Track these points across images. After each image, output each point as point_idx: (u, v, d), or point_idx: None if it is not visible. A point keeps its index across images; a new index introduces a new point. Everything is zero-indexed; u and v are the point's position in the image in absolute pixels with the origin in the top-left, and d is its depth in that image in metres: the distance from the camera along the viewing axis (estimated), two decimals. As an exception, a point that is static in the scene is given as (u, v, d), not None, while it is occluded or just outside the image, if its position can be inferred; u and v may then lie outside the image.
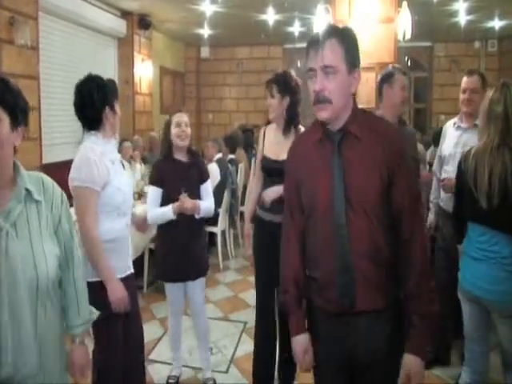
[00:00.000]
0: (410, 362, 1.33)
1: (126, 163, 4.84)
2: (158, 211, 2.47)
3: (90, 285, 1.64)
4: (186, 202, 2.42)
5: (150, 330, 3.37)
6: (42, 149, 4.23)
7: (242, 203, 5.01)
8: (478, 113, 2.41)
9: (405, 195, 1.35)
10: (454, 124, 2.72)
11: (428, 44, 7.91)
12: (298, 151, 1.51)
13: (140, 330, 2.22)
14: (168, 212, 2.44)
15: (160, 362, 2.97)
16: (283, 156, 2.38)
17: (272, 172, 2.42)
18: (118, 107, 2.04)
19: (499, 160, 1.80)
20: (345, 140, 1.36)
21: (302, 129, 2.43)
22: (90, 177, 1.85)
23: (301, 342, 1.45)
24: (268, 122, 2.53)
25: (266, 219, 2.42)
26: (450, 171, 2.63)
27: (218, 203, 4.62)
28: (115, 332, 1.97)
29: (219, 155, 4.95)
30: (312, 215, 1.41)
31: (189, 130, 2.53)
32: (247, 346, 3.01)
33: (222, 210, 4.68)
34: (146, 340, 3.17)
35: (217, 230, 4.61)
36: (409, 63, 8.08)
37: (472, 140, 2.51)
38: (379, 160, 1.33)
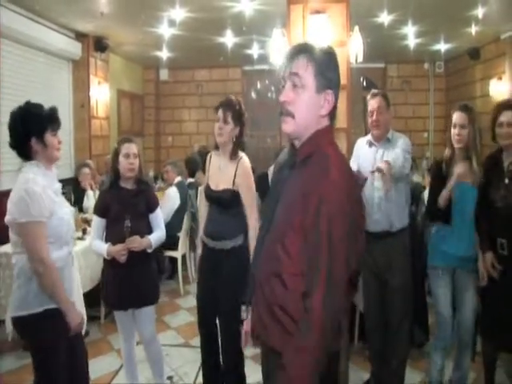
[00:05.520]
0: None
1: (90, 191, 4.71)
2: (96, 245, 2.48)
3: (41, 314, 1.85)
4: (135, 241, 2.42)
5: (107, 362, 3.24)
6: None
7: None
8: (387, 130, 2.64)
9: None
10: (367, 142, 2.73)
11: (381, 65, 8.21)
12: None
13: (84, 350, 2.17)
14: (103, 252, 2.44)
15: (118, 395, 2.85)
16: (222, 186, 2.51)
17: (212, 200, 2.56)
18: (50, 138, 1.93)
19: None
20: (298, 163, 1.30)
21: (243, 156, 2.54)
22: (38, 211, 1.82)
23: None
24: (217, 146, 2.60)
25: (209, 245, 2.54)
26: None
27: (178, 227, 4.57)
28: (58, 362, 1.91)
29: (179, 178, 4.89)
30: None
31: (137, 161, 2.52)
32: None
33: (182, 234, 4.60)
34: (103, 373, 3.08)
35: (177, 254, 4.52)
36: (364, 83, 8.37)
37: (387, 154, 2.59)
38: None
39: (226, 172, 2.50)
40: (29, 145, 1.90)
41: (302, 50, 1.26)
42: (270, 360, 1.36)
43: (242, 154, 2.53)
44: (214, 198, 2.53)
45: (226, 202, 2.49)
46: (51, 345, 1.88)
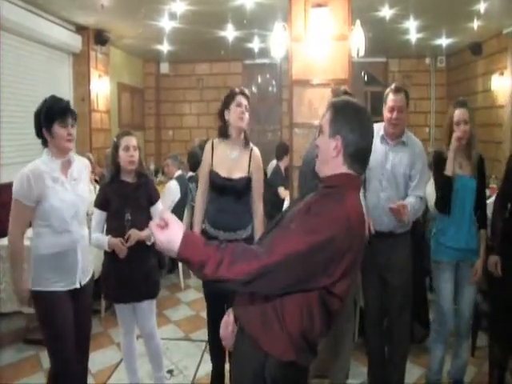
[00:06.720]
0: None
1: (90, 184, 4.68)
2: (97, 237, 2.46)
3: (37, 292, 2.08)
4: (132, 235, 2.41)
5: (107, 356, 3.25)
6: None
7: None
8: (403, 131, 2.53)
9: None
10: (379, 135, 2.51)
11: (383, 60, 8.16)
12: None
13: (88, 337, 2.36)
14: (104, 244, 2.43)
15: (118, 388, 2.86)
16: (237, 174, 2.51)
17: (225, 190, 2.52)
18: (58, 130, 2.07)
19: None
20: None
21: (253, 146, 2.60)
22: (20, 191, 2.00)
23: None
24: (224, 134, 2.60)
25: (212, 235, 2.51)
26: (373, 191, 2.53)
27: (178, 220, 4.57)
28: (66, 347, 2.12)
29: (179, 172, 4.89)
30: None
31: (137, 154, 2.52)
32: (209, 365, 2.93)
33: (182, 228, 4.60)
34: (103, 366, 3.09)
35: (178, 247, 4.52)
36: (365, 78, 8.35)
37: (399, 158, 2.50)
38: None
39: (239, 161, 2.55)
40: (42, 134, 2.09)
41: (329, 107, 1.47)
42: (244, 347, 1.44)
43: (251, 145, 2.62)
44: (228, 186, 2.51)
45: (240, 190, 2.52)
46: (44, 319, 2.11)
